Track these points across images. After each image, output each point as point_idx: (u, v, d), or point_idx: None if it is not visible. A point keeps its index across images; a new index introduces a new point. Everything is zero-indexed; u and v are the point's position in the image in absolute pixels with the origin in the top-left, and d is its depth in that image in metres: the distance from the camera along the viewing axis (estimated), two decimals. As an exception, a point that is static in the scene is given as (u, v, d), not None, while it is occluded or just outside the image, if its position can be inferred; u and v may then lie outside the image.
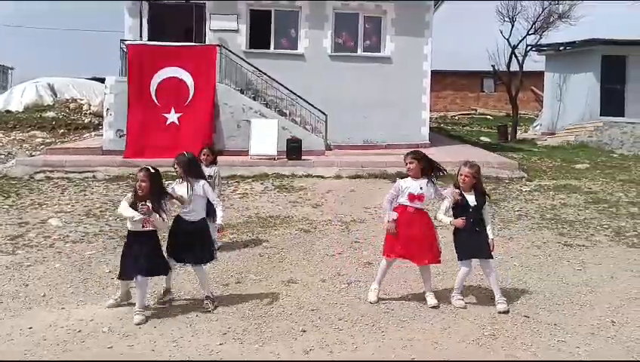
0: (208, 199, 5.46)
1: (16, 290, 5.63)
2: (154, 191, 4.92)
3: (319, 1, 16.27)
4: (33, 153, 15.96)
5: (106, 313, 5.08)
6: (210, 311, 5.13)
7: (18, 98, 25.23)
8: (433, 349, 4.51)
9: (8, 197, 10.04)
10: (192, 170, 5.34)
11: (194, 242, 5.27)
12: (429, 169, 5.32)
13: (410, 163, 5.29)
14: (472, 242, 5.30)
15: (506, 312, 5.19)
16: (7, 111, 23.06)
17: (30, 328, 4.76)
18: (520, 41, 22.71)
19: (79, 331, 4.70)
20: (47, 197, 10.17)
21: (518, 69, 23.06)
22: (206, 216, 5.50)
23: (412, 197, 5.24)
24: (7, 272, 6.14)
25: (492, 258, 5.43)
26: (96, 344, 4.50)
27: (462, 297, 5.44)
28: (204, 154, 7.24)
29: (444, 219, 5.42)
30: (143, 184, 4.88)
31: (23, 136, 18.86)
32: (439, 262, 5.46)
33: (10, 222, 8.40)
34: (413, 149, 5.60)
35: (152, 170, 4.96)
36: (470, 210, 5.31)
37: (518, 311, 5.27)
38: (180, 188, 5.29)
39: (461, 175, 5.35)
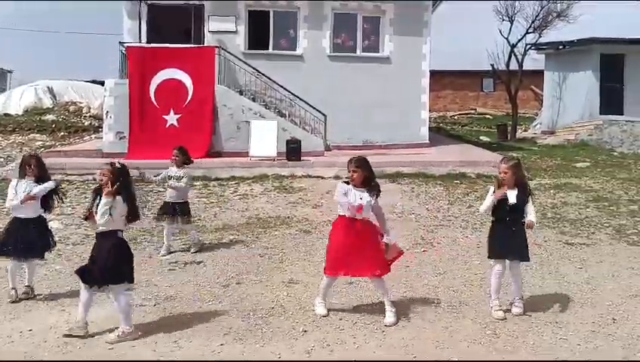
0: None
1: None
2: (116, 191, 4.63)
3: (318, 2, 16.27)
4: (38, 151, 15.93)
5: (109, 314, 5.07)
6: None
7: (17, 101, 25.20)
8: (435, 349, 4.50)
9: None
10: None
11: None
12: (371, 179, 5.00)
13: (353, 171, 4.95)
14: (507, 241, 5.10)
15: (522, 315, 5.10)
16: (6, 115, 23.04)
17: (30, 330, 4.76)
18: (519, 40, 22.69)
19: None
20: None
21: (517, 68, 23.04)
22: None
23: (352, 208, 4.88)
24: (7, 274, 6.11)
25: (528, 260, 5.31)
26: (97, 345, 4.49)
27: (500, 306, 5.11)
28: (174, 156, 7.28)
29: (486, 202, 5.15)
30: (107, 178, 4.61)
31: (23, 140, 18.86)
32: (388, 272, 5.08)
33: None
34: (357, 156, 5.20)
35: (119, 166, 4.72)
36: (508, 207, 5.08)
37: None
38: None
39: (500, 172, 5.14)
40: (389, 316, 4.92)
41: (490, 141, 21.37)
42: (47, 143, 18.26)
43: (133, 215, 4.72)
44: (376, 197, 4.98)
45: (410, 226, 8.63)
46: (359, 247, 4.91)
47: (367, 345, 4.53)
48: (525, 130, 25.63)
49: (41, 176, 5.53)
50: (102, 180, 4.65)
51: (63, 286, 5.89)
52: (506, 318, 5.04)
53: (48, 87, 25.99)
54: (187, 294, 5.63)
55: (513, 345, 4.56)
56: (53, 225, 8.43)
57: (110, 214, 4.53)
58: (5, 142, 18.23)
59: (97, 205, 4.60)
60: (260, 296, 5.56)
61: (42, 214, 5.61)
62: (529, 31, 22.61)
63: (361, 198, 4.90)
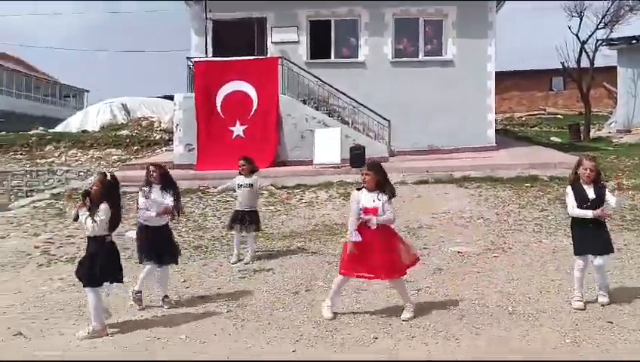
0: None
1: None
2: (101, 196, 4.99)
3: (378, 9, 16.24)
4: (110, 170, 16.76)
5: (183, 320, 5.24)
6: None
7: (94, 118, 26.68)
8: (512, 358, 4.35)
9: (88, 212, 10.58)
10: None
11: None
12: (384, 182, 5.09)
13: (366, 174, 5.07)
14: (590, 237, 5.20)
15: (608, 304, 5.19)
16: (84, 131, 24.39)
17: (111, 336, 4.96)
18: (589, 36, 21.74)
19: (158, 338, 4.86)
20: (125, 211, 10.62)
21: (588, 65, 22.06)
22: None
23: (366, 211, 4.99)
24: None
25: (612, 252, 5.37)
26: (174, 350, 4.63)
27: (581, 298, 5.25)
28: (241, 166, 7.43)
29: (583, 213, 5.20)
30: (95, 187, 5.01)
31: (100, 154, 19.85)
32: (403, 275, 5.21)
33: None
34: (370, 160, 5.34)
35: (108, 176, 5.16)
36: (589, 203, 5.20)
37: (601, 317, 5.01)
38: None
39: (585, 169, 5.24)
40: (406, 311, 5.10)
41: (562, 142, 20.52)
42: (123, 157, 19.13)
43: (115, 222, 5.06)
44: (390, 199, 5.07)
45: (480, 231, 8.42)
46: (374, 250, 5.02)
47: (439, 353, 4.44)
48: (599, 130, 24.43)
49: (166, 185, 5.73)
50: (89, 190, 5.03)
51: (144, 293, 6.12)
52: (585, 309, 5.12)
53: (122, 104, 27.34)
54: (257, 301, 5.72)
55: (595, 354, 4.34)
56: (129, 234, 8.84)
57: (94, 221, 4.87)
58: (84, 157, 19.26)
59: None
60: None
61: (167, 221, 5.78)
62: (599, 26, 21.63)
63: (374, 201, 5.02)
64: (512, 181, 11.77)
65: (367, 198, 5.03)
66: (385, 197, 5.03)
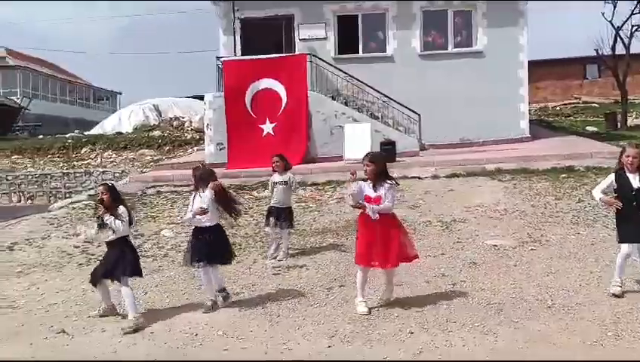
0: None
1: (137, 297, 6.01)
2: (113, 201, 5.39)
3: (406, 1, 16.10)
4: (143, 170, 17.06)
5: (220, 317, 5.31)
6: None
7: (127, 120, 27.24)
8: (552, 352, 4.27)
9: (124, 212, 10.80)
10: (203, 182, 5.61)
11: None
12: (385, 172, 5.21)
13: (367, 165, 5.16)
14: (635, 225, 5.10)
15: None
16: (118, 133, 24.92)
17: (152, 333, 5.07)
18: (624, 22, 21.24)
19: (196, 334, 4.94)
20: (159, 211, 10.83)
21: (624, 52, 21.45)
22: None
23: (368, 199, 5.11)
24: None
25: None
26: (212, 346, 4.71)
27: (620, 283, 5.21)
28: (274, 163, 7.44)
29: (595, 194, 5.37)
30: (104, 195, 5.38)
31: (134, 155, 20.26)
32: (408, 261, 5.36)
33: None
34: (371, 152, 5.51)
35: (110, 184, 5.69)
36: (633, 192, 5.12)
37: (645, 310, 4.87)
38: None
39: (628, 156, 5.17)
40: (386, 293, 5.38)
41: (599, 131, 20.04)
42: (156, 158, 19.48)
43: (131, 222, 5.49)
44: (391, 188, 5.17)
45: (515, 224, 8.27)
46: (382, 240, 5.13)
47: (477, 348, 4.39)
48: (637, 118, 23.76)
49: (203, 186, 5.62)
50: (102, 199, 5.37)
51: (177, 290, 6.23)
52: (623, 296, 5.11)
53: (154, 105, 27.83)
54: (292, 298, 5.74)
55: (639, 348, 4.23)
56: (165, 233, 9.01)
57: (123, 222, 5.30)
58: (119, 159, 19.69)
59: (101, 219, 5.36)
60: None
61: (219, 222, 5.68)
62: (634, 12, 21.00)
63: (376, 191, 5.12)
64: (548, 172, 11.53)
65: (370, 188, 5.16)
66: (387, 186, 5.15)
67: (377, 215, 5.10)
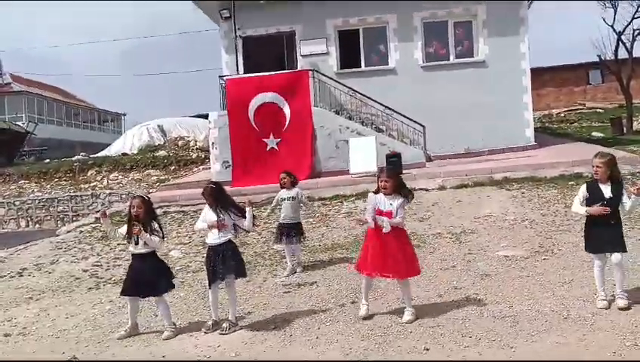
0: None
1: (148, 321, 5.98)
2: (147, 215, 5.43)
3: (406, 14, 16.17)
4: (150, 191, 17.08)
5: (233, 338, 5.25)
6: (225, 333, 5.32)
7: (132, 141, 27.36)
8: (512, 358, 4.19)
9: (132, 234, 10.79)
10: (216, 199, 5.57)
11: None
12: (401, 187, 5.34)
13: (385, 181, 5.28)
14: (605, 235, 5.11)
15: (627, 308, 4.97)
16: (124, 154, 25.00)
17: (163, 356, 5.02)
18: (626, 27, 21.17)
19: (209, 357, 4.89)
20: (166, 231, 10.75)
21: (627, 57, 21.43)
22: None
23: (379, 212, 5.23)
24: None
25: (625, 251, 5.18)
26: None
27: (604, 297, 5.18)
28: (282, 179, 7.57)
29: (579, 210, 5.28)
30: (140, 210, 5.38)
31: (140, 176, 20.30)
32: (417, 273, 5.43)
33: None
34: (386, 167, 5.64)
35: (146, 198, 5.60)
36: (605, 202, 5.10)
37: (662, 318, 4.79)
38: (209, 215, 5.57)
39: (593, 166, 5.22)
40: (407, 314, 5.25)
41: (605, 136, 19.94)
42: (161, 178, 19.50)
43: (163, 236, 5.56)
44: (403, 204, 5.30)
45: (526, 234, 8.20)
46: (388, 251, 5.21)
47: (494, 362, 4.31)
48: (643, 121, 23.65)
49: (216, 204, 5.53)
50: (136, 212, 5.38)
51: (189, 311, 6.19)
52: (609, 308, 5.05)
53: (158, 126, 27.97)
54: (304, 315, 5.68)
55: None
56: (173, 254, 8.98)
57: (161, 238, 5.43)
58: (125, 180, 19.72)
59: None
60: (376, 315, 5.49)
61: (231, 238, 5.61)
62: (636, 16, 21.02)
63: (391, 204, 5.24)
64: (556, 180, 11.46)
65: (384, 202, 5.26)
66: (399, 201, 5.25)
67: (390, 227, 5.16)
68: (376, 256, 5.26)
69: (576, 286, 5.82)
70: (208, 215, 5.56)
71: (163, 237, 5.54)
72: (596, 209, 5.12)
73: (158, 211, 12.50)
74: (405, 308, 5.34)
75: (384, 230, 5.17)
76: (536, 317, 5.06)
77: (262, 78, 15.19)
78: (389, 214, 5.23)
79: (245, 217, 5.57)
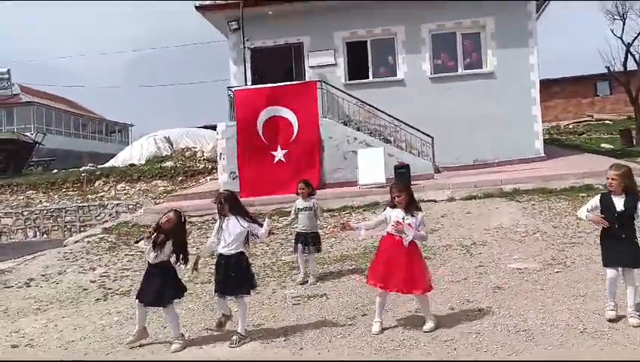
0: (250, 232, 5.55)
1: (156, 332, 5.91)
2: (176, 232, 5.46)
3: (414, 26, 16.19)
4: (157, 201, 17.07)
5: (242, 351, 5.18)
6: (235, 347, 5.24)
7: (139, 151, 27.45)
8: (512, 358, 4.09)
9: (140, 244, 10.76)
10: (232, 207, 5.53)
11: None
12: (413, 201, 5.38)
13: (397, 195, 5.32)
14: (618, 248, 5.06)
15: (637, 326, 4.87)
16: (131, 165, 25.06)
17: (173, 368, 4.95)
18: (635, 38, 21.18)
19: (218, 370, 4.82)
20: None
21: (635, 68, 21.36)
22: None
23: (399, 224, 5.25)
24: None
25: (638, 266, 5.10)
26: None
27: (613, 307, 5.13)
28: (300, 189, 7.57)
29: (581, 214, 5.32)
30: (169, 224, 5.42)
31: (147, 186, 20.32)
32: (430, 289, 5.39)
33: (143, 268, 8.93)
34: (396, 182, 5.70)
35: (182, 215, 5.57)
36: (616, 214, 5.05)
37: (681, 333, 4.68)
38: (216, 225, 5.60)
39: (608, 178, 5.17)
40: (428, 322, 5.25)
41: (614, 148, 19.81)
42: (169, 188, 19.51)
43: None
44: (418, 216, 5.32)
45: (538, 246, 8.10)
46: (398, 264, 5.20)
47: (510, 378, 4.22)
48: (651, 133, 23.49)
49: (230, 213, 5.48)
50: (167, 225, 5.43)
51: (197, 323, 6.12)
52: (617, 319, 5.00)
53: (165, 137, 28.05)
54: (314, 328, 5.60)
55: None
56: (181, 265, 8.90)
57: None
58: (132, 190, 19.73)
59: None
60: (387, 328, 5.41)
61: (244, 250, 5.55)
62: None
63: (404, 218, 5.25)
64: (566, 192, 11.37)
65: (397, 216, 5.27)
66: (419, 216, 5.29)
67: (410, 237, 5.18)
68: (385, 269, 5.26)
69: (591, 299, 5.71)
70: (224, 227, 5.48)
71: (180, 260, 5.51)
72: (594, 217, 5.11)
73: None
74: (425, 317, 5.33)
75: (405, 242, 5.17)
76: (552, 332, 4.96)
77: (270, 90, 15.22)
78: (398, 224, 5.25)
79: (262, 226, 5.51)
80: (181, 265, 5.55)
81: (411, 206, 5.31)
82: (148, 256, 5.48)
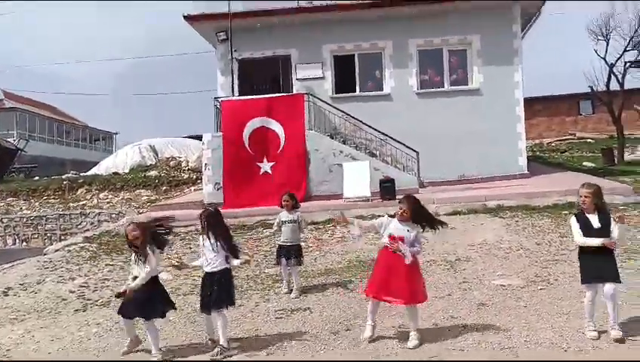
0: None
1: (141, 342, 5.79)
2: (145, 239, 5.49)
3: (402, 41, 16.32)
4: (140, 211, 16.89)
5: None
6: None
7: (123, 160, 27.19)
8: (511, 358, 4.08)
9: (121, 254, 10.58)
10: (213, 226, 5.54)
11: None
12: (420, 216, 5.35)
13: (402, 210, 5.31)
14: (597, 264, 5.12)
15: (622, 341, 4.91)
16: (115, 173, 24.80)
17: (152, 382, 4.85)
18: (618, 59, 21.52)
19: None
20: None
21: (618, 88, 21.72)
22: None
23: (392, 238, 5.26)
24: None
25: (619, 282, 5.14)
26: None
27: (593, 327, 5.16)
28: (284, 201, 7.51)
29: (591, 241, 5.12)
30: (135, 233, 5.47)
31: (130, 195, 20.10)
32: (424, 300, 5.43)
33: (124, 278, 8.78)
34: (407, 198, 5.51)
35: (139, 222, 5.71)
36: (594, 232, 5.13)
37: (664, 352, 4.70)
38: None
39: (580, 196, 5.28)
40: (413, 339, 5.22)
41: (596, 166, 20.07)
42: (152, 198, 19.31)
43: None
44: (413, 233, 5.30)
45: (521, 263, 8.12)
46: (396, 275, 5.22)
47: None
48: (633, 153, 23.88)
49: (209, 230, 5.50)
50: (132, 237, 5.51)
51: (178, 336, 6.02)
52: (599, 338, 5.01)
53: (150, 146, 27.84)
54: (297, 343, 5.54)
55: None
56: (162, 276, 8.76)
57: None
58: (115, 199, 19.50)
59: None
60: (371, 342, 5.36)
61: (227, 266, 5.53)
62: (627, 48, 21.39)
63: (406, 230, 5.27)
64: (549, 209, 11.46)
65: (397, 227, 5.28)
66: (417, 231, 5.29)
67: (411, 258, 5.20)
68: (383, 279, 5.29)
69: (574, 317, 5.72)
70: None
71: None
72: (610, 242, 5.06)
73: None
74: (410, 332, 5.29)
75: (406, 261, 5.18)
76: (536, 349, 4.96)
77: (257, 101, 15.19)
78: (401, 239, 5.25)
79: (237, 258, 5.57)
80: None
81: (411, 220, 5.29)
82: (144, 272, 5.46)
